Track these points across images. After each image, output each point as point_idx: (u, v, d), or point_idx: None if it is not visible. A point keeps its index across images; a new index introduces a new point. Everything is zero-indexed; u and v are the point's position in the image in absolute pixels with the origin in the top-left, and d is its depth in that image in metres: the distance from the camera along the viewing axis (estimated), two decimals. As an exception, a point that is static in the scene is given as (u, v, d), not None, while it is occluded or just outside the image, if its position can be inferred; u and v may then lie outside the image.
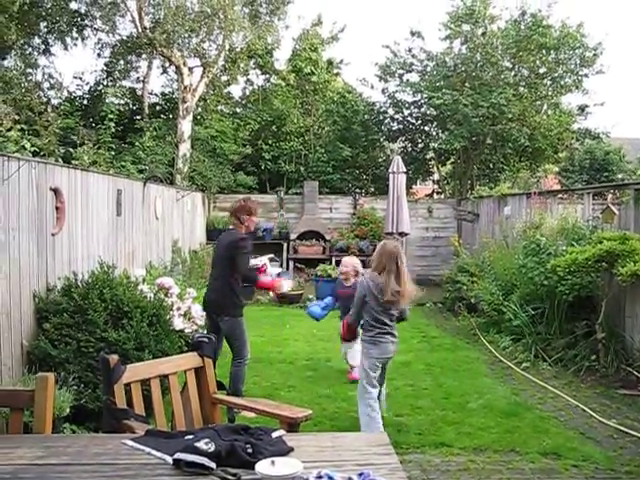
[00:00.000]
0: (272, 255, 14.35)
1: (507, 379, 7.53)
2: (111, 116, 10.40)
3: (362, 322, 5.45)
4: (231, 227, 6.33)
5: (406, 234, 13.89)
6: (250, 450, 2.44)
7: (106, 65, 17.87)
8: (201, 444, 2.41)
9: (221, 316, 6.07)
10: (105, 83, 17.82)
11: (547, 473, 4.76)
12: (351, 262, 7.29)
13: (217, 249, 6.46)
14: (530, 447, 5.25)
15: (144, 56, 17.71)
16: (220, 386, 3.82)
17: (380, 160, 19.13)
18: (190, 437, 2.60)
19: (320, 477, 2.20)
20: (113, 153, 10.92)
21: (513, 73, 17.09)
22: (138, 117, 17.45)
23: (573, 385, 7.22)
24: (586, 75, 17.09)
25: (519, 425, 5.81)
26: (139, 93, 18.26)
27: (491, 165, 18.50)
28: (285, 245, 15.26)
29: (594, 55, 16.74)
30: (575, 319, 8.15)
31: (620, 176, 19.43)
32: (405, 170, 14.10)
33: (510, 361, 8.25)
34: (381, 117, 18.47)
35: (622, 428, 5.75)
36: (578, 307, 8.19)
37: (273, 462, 2.29)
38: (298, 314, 10.96)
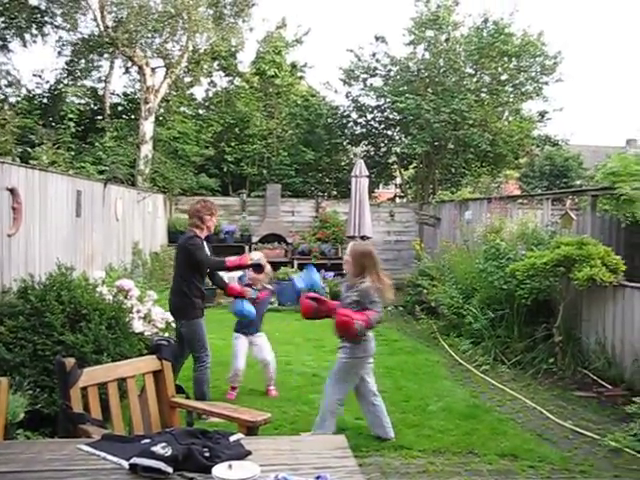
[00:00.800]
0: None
1: (466, 382, 7.60)
2: (71, 116, 10.27)
3: None
4: (189, 230, 6.23)
5: (368, 238, 13.95)
6: (207, 454, 2.42)
7: (67, 64, 17.56)
8: (158, 448, 2.39)
9: (180, 320, 6.07)
10: (66, 82, 17.53)
11: (504, 474, 4.83)
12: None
13: (175, 254, 6.43)
14: (488, 449, 5.31)
15: (106, 55, 17.47)
16: (179, 390, 3.78)
17: (343, 164, 19.17)
18: (147, 441, 2.58)
19: (277, 480, 2.20)
20: (73, 153, 10.77)
21: (475, 79, 17.28)
22: (99, 117, 17.20)
23: (531, 387, 7.32)
24: (546, 83, 17.41)
25: (478, 427, 5.86)
26: (101, 93, 18.00)
27: (453, 170, 18.67)
28: (247, 248, 15.18)
29: (554, 63, 17.06)
30: (534, 322, 8.27)
31: (579, 182, 19.74)
32: (368, 174, 14.18)
33: (470, 364, 8.33)
34: (344, 121, 18.51)
35: (577, 429, 5.87)
36: (537, 311, 8.31)
37: (230, 466, 2.28)
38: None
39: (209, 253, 6.17)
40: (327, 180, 19.15)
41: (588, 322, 7.85)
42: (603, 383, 7.08)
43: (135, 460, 2.34)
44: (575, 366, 7.61)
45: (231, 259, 6.17)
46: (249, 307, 6.44)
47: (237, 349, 6.85)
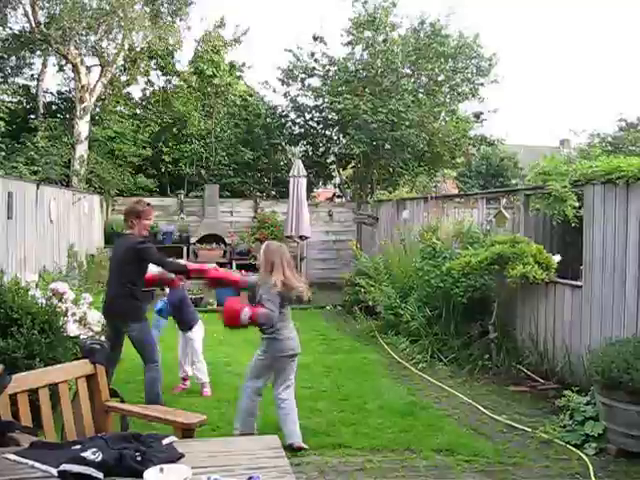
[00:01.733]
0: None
1: (404, 380, 7.70)
2: (1, 114, 9.97)
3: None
4: (128, 232, 6.10)
5: (306, 237, 14.03)
6: (139, 458, 2.40)
7: (-4, 60, 17.09)
8: (88, 454, 2.36)
9: (127, 324, 5.87)
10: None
11: (440, 469, 4.91)
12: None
13: (114, 256, 6.24)
14: (425, 445, 5.39)
15: (39, 53, 17.03)
16: (113, 394, 3.73)
17: (282, 164, 19.18)
18: (78, 447, 2.54)
19: (210, 482, 2.20)
20: (3, 153, 10.48)
21: (412, 80, 17.50)
22: (32, 116, 16.81)
23: (467, 384, 7.46)
24: (482, 84, 17.80)
25: (415, 424, 5.94)
26: (33, 91, 17.59)
27: (391, 170, 18.85)
28: (185, 249, 15.04)
29: (489, 65, 17.46)
30: (470, 320, 8.43)
31: (514, 181, 20.21)
32: (306, 174, 14.23)
33: (408, 362, 8.44)
34: (283, 121, 18.55)
35: (511, 423, 6.01)
36: (472, 308, 8.47)
37: (162, 469, 2.26)
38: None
39: None
40: (266, 180, 19.14)
41: (522, 318, 8.04)
42: (536, 377, 7.28)
43: (64, 467, 2.30)
44: (510, 362, 7.79)
45: (192, 265, 6.12)
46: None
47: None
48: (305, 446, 5.24)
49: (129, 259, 5.86)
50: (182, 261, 6.10)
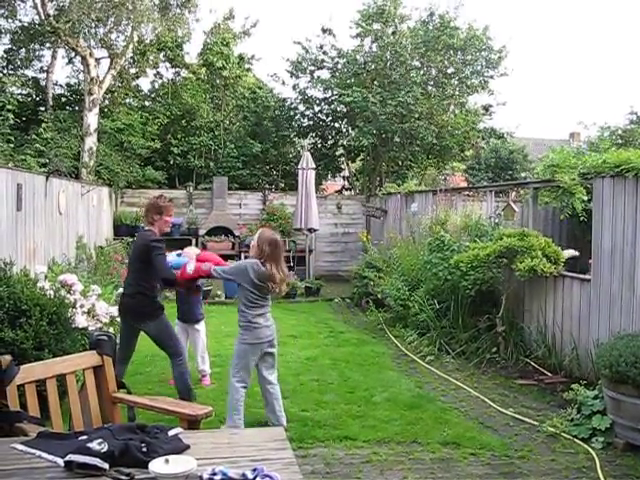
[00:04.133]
0: (180, 251, 14.15)
1: (412, 372, 7.70)
2: (10, 107, 9.99)
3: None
4: (145, 228, 5.94)
5: (315, 230, 14.03)
6: (145, 449, 2.41)
7: (6, 52, 17.07)
8: (94, 444, 2.37)
9: (144, 322, 5.75)
10: (5, 72, 17.05)
11: (447, 462, 4.92)
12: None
13: (132, 252, 6.12)
14: (431, 438, 5.40)
15: (48, 45, 17.04)
16: (120, 385, 3.75)
17: (290, 156, 19.18)
18: (84, 438, 2.55)
19: (214, 474, 2.21)
20: (12, 145, 10.50)
21: (422, 72, 17.42)
22: (42, 109, 16.84)
23: (475, 377, 7.45)
24: (491, 77, 17.71)
25: (422, 417, 5.94)
26: (43, 83, 17.61)
27: (399, 162, 18.83)
28: (194, 241, 15.07)
29: (499, 58, 17.36)
30: (478, 313, 8.41)
31: (523, 175, 20.10)
32: (314, 166, 14.21)
33: (415, 355, 8.43)
34: (292, 113, 18.52)
35: (518, 416, 6.01)
36: (480, 301, 8.46)
37: (167, 460, 2.27)
38: (207, 310, 10.84)
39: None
40: (274, 172, 19.14)
41: (530, 312, 8.03)
42: (543, 371, 7.27)
43: (70, 457, 2.31)
44: (517, 355, 7.78)
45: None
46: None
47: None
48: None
49: (143, 256, 5.69)
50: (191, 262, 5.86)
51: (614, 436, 5.28)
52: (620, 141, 14.03)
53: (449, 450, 5.17)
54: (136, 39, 15.97)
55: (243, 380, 5.42)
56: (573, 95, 71.26)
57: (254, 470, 2.21)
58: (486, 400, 6.53)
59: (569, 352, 7.12)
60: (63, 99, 18.21)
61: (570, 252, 9.14)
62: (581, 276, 7.27)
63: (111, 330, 6.78)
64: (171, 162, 17.42)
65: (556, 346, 7.40)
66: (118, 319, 7.67)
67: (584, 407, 5.67)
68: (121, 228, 14.75)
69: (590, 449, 5.16)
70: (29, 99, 17.30)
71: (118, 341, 5.85)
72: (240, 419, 5.37)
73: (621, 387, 5.11)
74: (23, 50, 17.26)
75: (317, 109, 18.39)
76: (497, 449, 5.17)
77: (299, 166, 14.13)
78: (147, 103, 18.69)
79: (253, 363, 5.47)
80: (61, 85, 18.42)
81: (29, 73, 17.72)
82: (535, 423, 5.79)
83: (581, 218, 8.87)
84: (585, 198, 8.16)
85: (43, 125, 14.27)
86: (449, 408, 6.28)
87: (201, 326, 7.10)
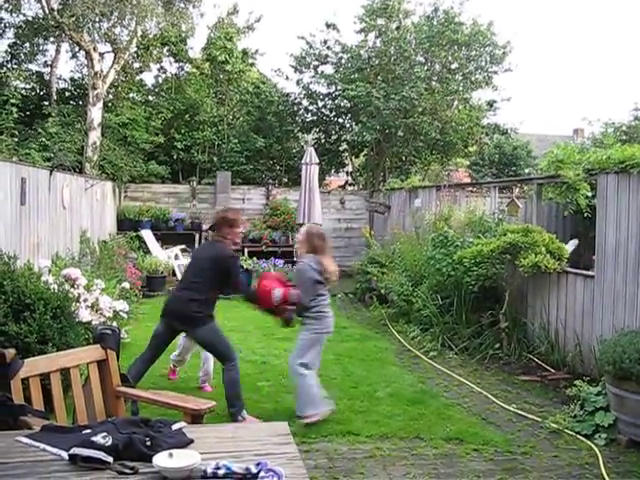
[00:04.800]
0: (184, 246, 14.20)
1: (415, 368, 7.70)
2: (13, 101, 9.98)
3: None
4: (217, 239, 5.87)
5: (318, 225, 13.99)
6: (149, 443, 2.42)
7: (10, 46, 17.04)
8: (98, 438, 2.37)
9: (194, 328, 5.63)
10: (9, 66, 17.03)
11: (449, 458, 4.92)
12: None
13: (197, 259, 5.99)
14: (434, 433, 5.40)
15: (52, 39, 17.04)
16: (124, 379, 3.75)
17: (294, 151, 19.15)
18: (88, 431, 2.56)
19: (218, 468, 2.21)
20: (16, 140, 10.50)
21: (426, 68, 17.39)
22: (45, 103, 16.83)
23: (477, 373, 7.45)
24: (495, 72, 17.66)
25: (424, 412, 5.95)
26: (47, 78, 17.60)
27: (403, 158, 18.81)
28: (197, 235, 15.10)
29: (503, 53, 17.31)
30: (481, 309, 8.40)
31: (527, 171, 20.09)
32: (318, 161, 14.20)
33: (418, 350, 8.43)
34: (295, 108, 18.50)
35: (521, 412, 6.01)
36: (484, 297, 8.45)
37: (171, 454, 2.28)
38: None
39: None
40: (278, 167, 19.12)
41: (533, 308, 8.03)
42: (546, 367, 7.26)
43: (75, 450, 2.32)
44: (520, 351, 7.78)
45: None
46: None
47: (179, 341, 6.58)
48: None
49: (217, 267, 5.63)
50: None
51: (617, 432, 5.27)
52: (624, 137, 14.01)
53: (452, 446, 5.17)
54: (140, 34, 15.95)
55: (313, 364, 5.75)
56: (577, 91, 71.15)
57: (258, 464, 2.22)
58: (489, 396, 6.53)
59: (572, 348, 7.12)
60: (67, 93, 18.20)
61: (573, 242, 9.15)
62: (585, 272, 7.26)
63: (114, 324, 6.80)
64: (174, 157, 17.42)
65: (559, 342, 7.40)
66: (123, 314, 7.72)
67: (587, 403, 5.67)
68: (124, 223, 14.79)
69: (593, 445, 5.16)
70: (33, 93, 17.29)
71: (148, 341, 5.87)
72: (322, 400, 5.68)
73: (624, 383, 5.10)
74: (27, 44, 17.24)
75: (321, 104, 18.36)
76: (500, 445, 5.17)
77: (302, 161, 14.12)
78: (151, 98, 18.69)
79: (320, 351, 5.85)
80: (65, 79, 18.43)
81: (33, 67, 17.73)
82: (538, 419, 5.79)
83: (585, 214, 8.85)
84: (589, 194, 8.14)
85: (52, 120, 14.28)
86: (452, 404, 6.29)
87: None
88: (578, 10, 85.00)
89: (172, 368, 6.95)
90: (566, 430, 5.48)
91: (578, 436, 5.36)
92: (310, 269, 5.61)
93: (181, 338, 6.44)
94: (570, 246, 7.97)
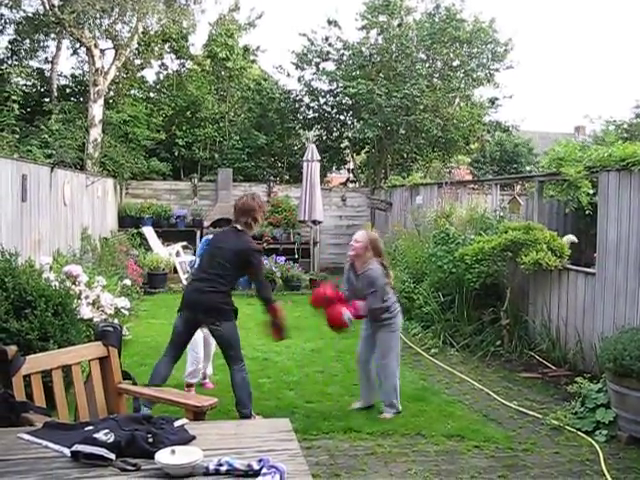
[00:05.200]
0: (185, 243, 14.20)
1: (416, 365, 7.71)
2: (15, 97, 9.96)
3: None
4: (238, 227, 5.58)
5: (319, 222, 14.00)
6: (151, 440, 2.42)
7: (10, 43, 16.97)
8: (100, 435, 2.38)
9: (218, 321, 5.39)
10: (10, 62, 16.98)
11: (450, 454, 4.92)
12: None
13: (219, 250, 5.56)
14: (435, 430, 5.40)
15: (53, 35, 16.98)
16: (126, 376, 3.75)
17: (295, 148, 19.12)
18: (90, 428, 2.56)
19: (220, 465, 2.22)
20: (17, 136, 10.49)
21: (427, 65, 17.38)
22: (46, 99, 16.81)
23: (479, 370, 7.46)
24: (497, 69, 17.65)
25: (426, 409, 5.95)
26: (48, 74, 17.57)
27: (405, 155, 18.80)
28: (198, 232, 15.08)
29: (505, 50, 17.31)
30: (482, 306, 8.41)
31: (528, 168, 20.08)
32: (319, 158, 14.18)
33: (419, 347, 8.44)
34: (297, 105, 18.49)
35: (522, 409, 6.02)
36: (485, 294, 8.46)
37: (173, 451, 2.28)
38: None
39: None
40: (279, 164, 19.10)
41: (534, 305, 8.03)
42: (548, 364, 7.27)
43: (77, 447, 2.32)
44: (521, 348, 7.79)
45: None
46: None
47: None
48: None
49: (241, 260, 5.46)
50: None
51: (618, 429, 5.28)
52: (626, 135, 13.99)
53: (453, 442, 5.17)
54: (141, 30, 15.93)
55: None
56: (579, 88, 71.10)
57: (260, 461, 2.22)
58: (490, 393, 6.54)
59: (573, 345, 7.13)
60: (68, 90, 18.16)
61: (569, 237, 9.13)
62: (586, 269, 7.27)
63: (116, 321, 6.80)
64: (176, 154, 17.40)
65: (560, 339, 7.41)
66: (124, 310, 7.71)
67: (588, 400, 5.68)
68: (126, 220, 14.79)
69: (594, 442, 5.16)
70: (34, 90, 17.25)
71: (169, 339, 5.64)
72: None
73: (625, 380, 5.11)
74: (28, 41, 17.16)
75: (322, 101, 18.35)
76: (501, 442, 5.18)
77: (304, 158, 14.10)
78: (152, 94, 18.67)
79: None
80: (66, 76, 18.38)
81: (34, 64, 17.65)
82: (539, 416, 5.80)
83: (586, 212, 8.86)
84: (590, 192, 8.15)
85: (53, 117, 14.27)
86: (453, 401, 6.29)
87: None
88: (580, 7, 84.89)
89: (202, 382, 6.68)
90: (567, 427, 5.49)
91: (579, 433, 5.37)
92: (382, 274, 5.74)
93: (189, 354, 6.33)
94: (566, 241, 7.96)
